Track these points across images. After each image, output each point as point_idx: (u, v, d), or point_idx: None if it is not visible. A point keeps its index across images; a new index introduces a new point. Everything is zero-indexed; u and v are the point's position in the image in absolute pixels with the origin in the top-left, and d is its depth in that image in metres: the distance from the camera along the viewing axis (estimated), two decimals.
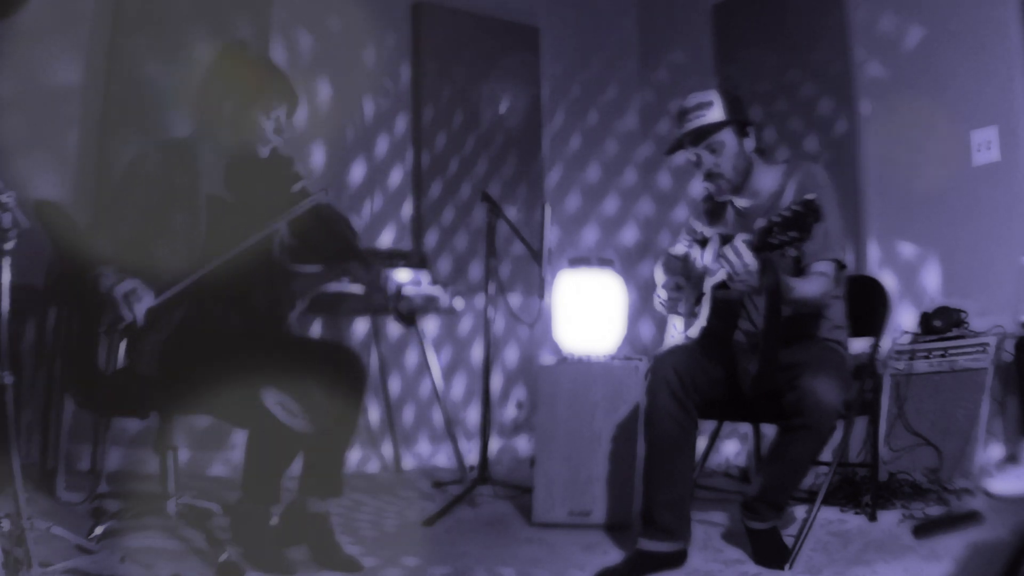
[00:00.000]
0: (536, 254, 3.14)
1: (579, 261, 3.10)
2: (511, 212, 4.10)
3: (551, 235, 3.50)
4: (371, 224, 3.97)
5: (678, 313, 2.52)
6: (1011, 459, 2.83)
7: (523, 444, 4.22)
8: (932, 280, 3.35)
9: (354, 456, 3.79)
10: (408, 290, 3.47)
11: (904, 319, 3.31)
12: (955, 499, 2.72)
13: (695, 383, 2.21)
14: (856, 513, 2.67)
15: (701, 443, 2.58)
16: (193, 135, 2.32)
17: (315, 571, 2.13)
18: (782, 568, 2.13)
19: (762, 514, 2.22)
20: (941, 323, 3.06)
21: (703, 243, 2.50)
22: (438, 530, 2.68)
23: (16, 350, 2.80)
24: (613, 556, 2.33)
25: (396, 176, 4.10)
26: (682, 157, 2.44)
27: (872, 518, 2.59)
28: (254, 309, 2.31)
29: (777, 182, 2.36)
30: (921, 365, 3.03)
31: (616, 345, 3.03)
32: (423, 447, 4.05)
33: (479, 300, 4.02)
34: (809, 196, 1.88)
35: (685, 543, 2.21)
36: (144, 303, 2.02)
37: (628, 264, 4.49)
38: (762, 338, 2.23)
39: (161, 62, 3.42)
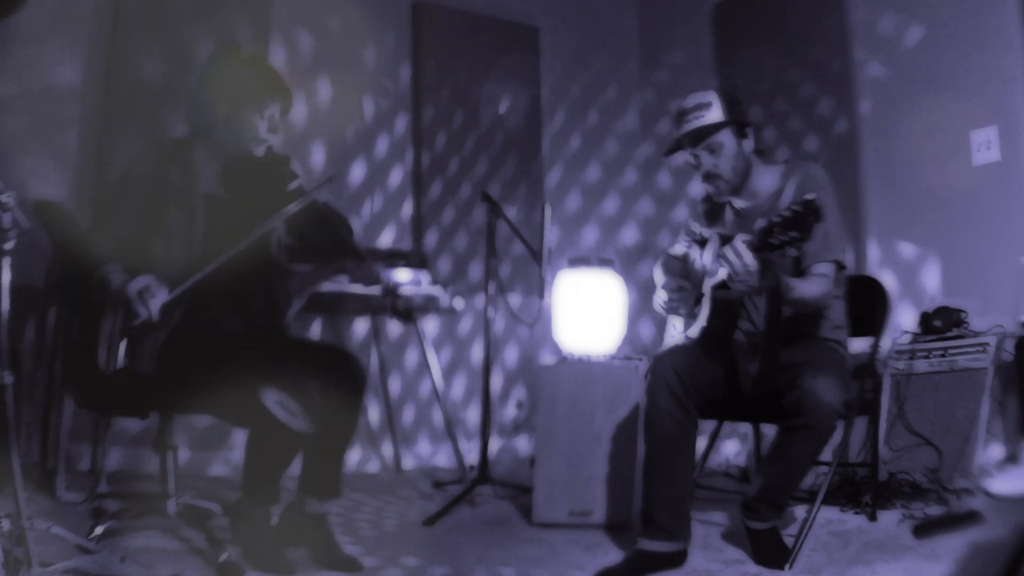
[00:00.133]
0: (536, 254, 3.14)
1: (579, 261, 3.10)
2: (511, 212, 4.10)
3: (551, 235, 3.50)
4: (371, 224, 3.97)
5: (678, 314, 2.52)
6: (1011, 459, 2.82)
7: (523, 444, 4.22)
8: (932, 280, 3.35)
9: (354, 456, 3.80)
10: (408, 290, 3.48)
11: (904, 319, 3.31)
12: (955, 499, 2.72)
13: (695, 383, 2.21)
14: (856, 513, 2.68)
15: (701, 443, 2.58)
16: (189, 135, 2.33)
17: (315, 571, 2.13)
18: (782, 568, 2.13)
19: (762, 514, 2.22)
20: (941, 323, 3.06)
21: (702, 244, 2.50)
22: (438, 530, 2.68)
23: (16, 350, 2.80)
24: (613, 556, 2.33)
25: (396, 176, 4.10)
26: (681, 157, 2.44)
27: (872, 518, 2.59)
28: (253, 309, 2.31)
29: (776, 183, 2.36)
30: (921, 365, 3.03)
31: (616, 345, 3.03)
32: (423, 447, 4.05)
33: (479, 300, 4.03)
34: (809, 196, 1.88)
35: (685, 543, 2.21)
36: (158, 298, 2.03)
37: (628, 264, 4.49)
38: (762, 338, 2.23)
39: (161, 62, 3.43)
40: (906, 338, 3.14)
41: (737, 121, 2.35)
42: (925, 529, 2.38)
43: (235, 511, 2.19)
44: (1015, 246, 3.03)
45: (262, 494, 2.16)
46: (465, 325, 4.22)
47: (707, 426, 2.91)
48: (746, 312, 2.39)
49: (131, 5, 3.40)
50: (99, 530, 2.19)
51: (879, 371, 2.90)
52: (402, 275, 3.49)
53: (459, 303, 3.79)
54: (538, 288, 3.17)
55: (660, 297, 2.55)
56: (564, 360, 2.97)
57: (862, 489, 2.78)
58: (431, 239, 4.07)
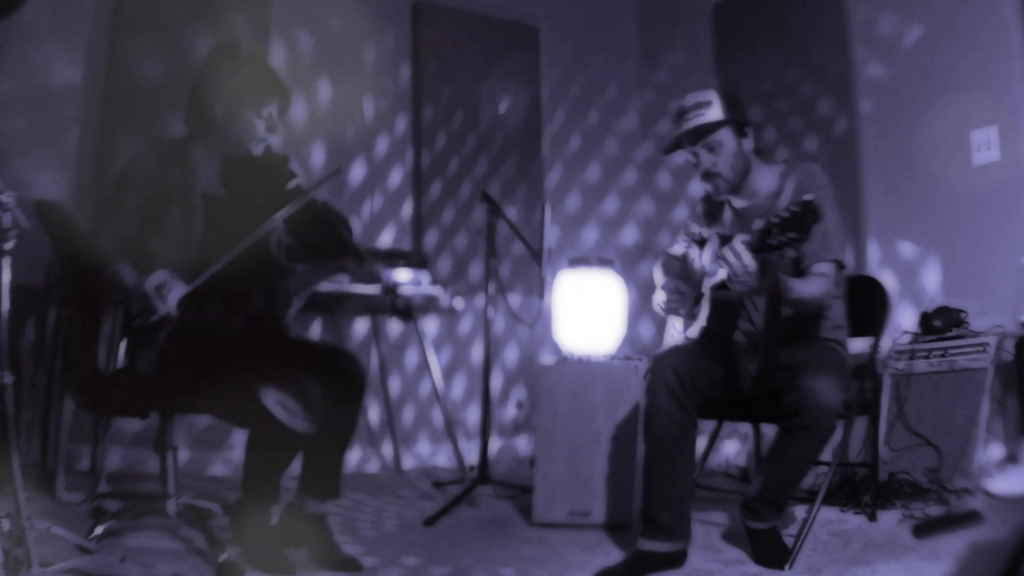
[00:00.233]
0: (536, 254, 3.14)
1: (579, 261, 3.10)
2: (511, 212, 4.10)
3: (551, 235, 3.50)
4: (371, 224, 3.97)
5: (677, 314, 2.52)
6: (1011, 459, 2.82)
7: (523, 444, 4.22)
8: (932, 280, 3.35)
9: (354, 456, 3.80)
10: (408, 290, 3.48)
11: (904, 319, 3.31)
12: (955, 499, 2.72)
13: (695, 383, 2.21)
14: (856, 513, 2.68)
15: (701, 443, 2.59)
16: (188, 134, 2.33)
17: (315, 571, 2.13)
18: (782, 568, 2.13)
19: (762, 514, 2.22)
20: (941, 323, 3.06)
21: (701, 244, 2.50)
22: (438, 530, 2.68)
23: (16, 350, 2.80)
24: (613, 556, 2.33)
25: (396, 176, 4.10)
26: (681, 157, 2.44)
27: (872, 518, 2.59)
28: (253, 309, 2.31)
29: (775, 182, 2.36)
30: (921, 365, 3.03)
31: (616, 345, 3.03)
32: (423, 447, 4.05)
33: (479, 300, 4.03)
34: (808, 197, 1.88)
35: (685, 543, 2.21)
36: (175, 293, 2.04)
37: (628, 264, 4.49)
38: (762, 338, 2.23)
39: (161, 62, 3.43)
40: (906, 338, 3.14)
41: (737, 120, 2.35)
42: (925, 529, 2.38)
43: (235, 511, 2.19)
44: (1015, 246, 3.03)
45: (262, 494, 2.16)
46: (465, 325, 4.22)
47: (707, 426, 2.91)
48: (745, 312, 2.39)
49: (131, 5, 3.40)
50: (99, 530, 2.19)
51: (879, 371, 2.90)
52: (402, 275, 3.49)
53: (459, 303, 3.80)
54: (538, 288, 3.16)
55: (659, 297, 2.55)
56: (564, 360, 2.97)
57: (862, 489, 2.78)
58: (431, 239, 4.07)
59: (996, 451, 2.85)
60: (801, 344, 2.28)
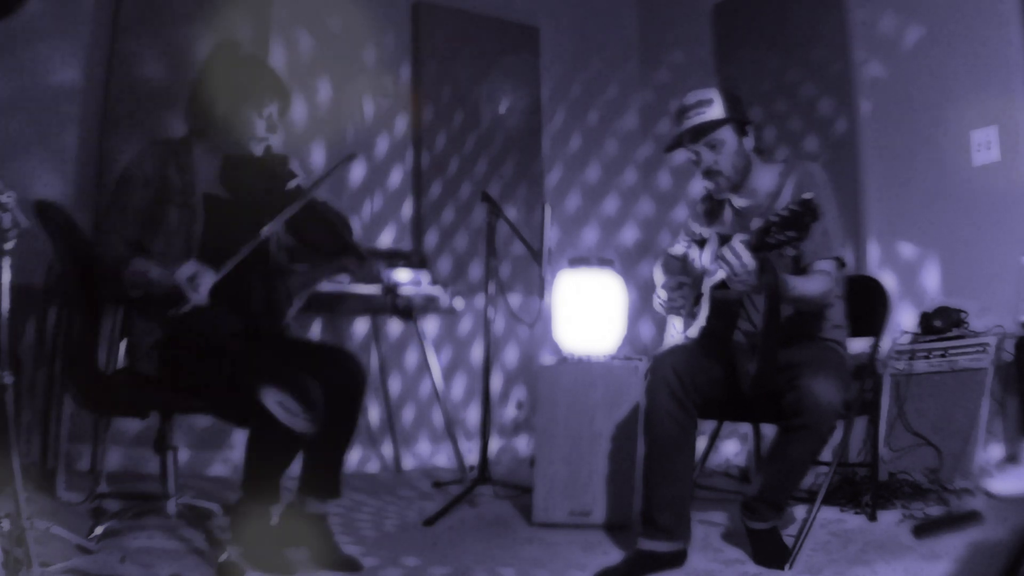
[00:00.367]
0: (536, 254, 3.14)
1: (579, 261, 3.10)
2: (511, 212, 4.10)
3: (551, 235, 3.50)
4: (371, 224, 3.97)
5: (677, 314, 2.52)
6: (1011, 459, 2.82)
7: (523, 444, 4.22)
8: (932, 280, 3.35)
9: (354, 456, 3.80)
10: (408, 290, 3.48)
11: (904, 319, 3.31)
12: (955, 499, 2.72)
13: (695, 383, 2.21)
14: (856, 513, 2.68)
15: (701, 443, 2.59)
16: (188, 134, 2.34)
17: (315, 571, 2.13)
18: (782, 568, 2.13)
19: (762, 514, 2.22)
20: (941, 323, 3.06)
21: (701, 243, 2.50)
22: (438, 530, 2.68)
23: (16, 350, 2.81)
24: (613, 556, 2.33)
25: (396, 176, 4.10)
26: (682, 156, 2.44)
27: (872, 518, 2.59)
28: (253, 309, 2.32)
29: (775, 182, 2.36)
30: (921, 365, 3.03)
31: (616, 345, 3.03)
32: (423, 447, 4.05)
33: (479, 300, 4.03)
34: (807, 195, 1.88)
35: (685, 543, 2.21)
36: (207, 282, 2.05)
37: (628, 264, 4.49)
38: (762, 338, 2.23)
39: (161, 62, 3.43)
40: (906, 338, 3.14)
41: (738, 118, 2.35)
42: (925, 529, 2.38)
43: (235, 511, 2.19)
44: (1015, 246, 3.03)
45: (262, 494, 2.16)
46: (465, 325, 4.22)
47: (707, 426, 2.91)
48: (745, 312, 2.39)
49: (131, 5, 3.40)
50: (99, 530, 2.19)
51: (879, 371, 2.90)
52: (402, 275, 3.49)
53: (459, 303, 3.80)
54: (538, 288, 3.17)
55: (660, 297, 2.55)
56: (564, 360, 2.97)
57: (862, 489, 2.78)
58: (431, 239, 4.07)
59: (996, 451, 2.85)
60: (801, 344, 2.28)
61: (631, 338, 4.12)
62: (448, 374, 4.13)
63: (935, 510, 2.62)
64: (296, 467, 2.24)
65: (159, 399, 2.20)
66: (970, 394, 2.87)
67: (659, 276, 2.63)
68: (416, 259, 3.72)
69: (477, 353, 4.18)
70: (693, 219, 2.62)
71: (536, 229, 3.57)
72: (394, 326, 4.02)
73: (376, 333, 3.98)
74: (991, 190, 3.15)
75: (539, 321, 3.87)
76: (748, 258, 1.98)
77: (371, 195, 4.00)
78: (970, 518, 2.42)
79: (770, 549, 2.20)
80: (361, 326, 3.96)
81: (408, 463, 3.96)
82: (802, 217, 1.87)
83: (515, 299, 4.18)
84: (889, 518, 2.58)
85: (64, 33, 3.28)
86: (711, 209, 2.54)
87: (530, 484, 2.85)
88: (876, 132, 3.59)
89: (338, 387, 2.19)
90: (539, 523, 2.74)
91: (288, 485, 2.24)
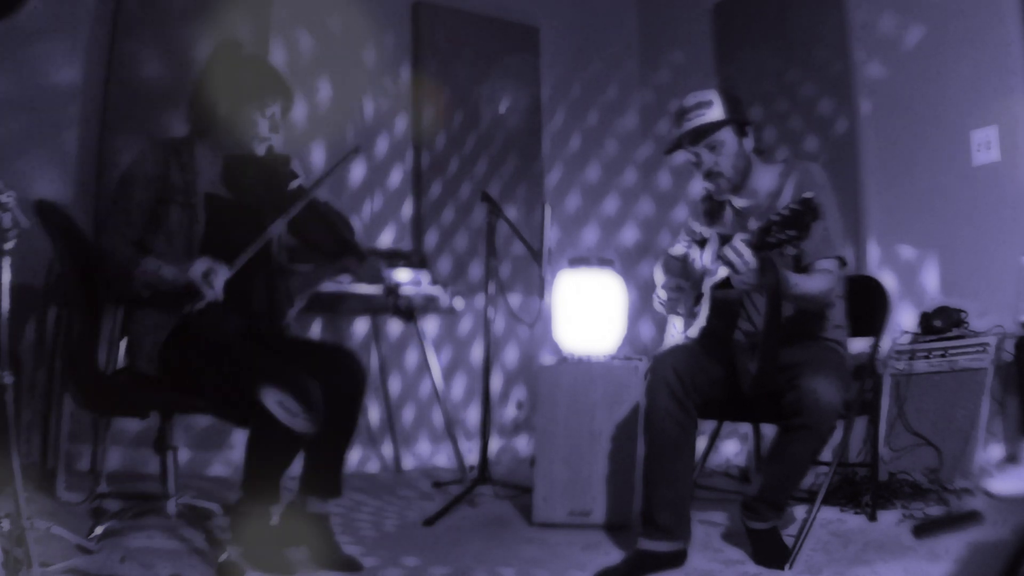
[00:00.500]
0: (536, 254, 3.14)
1: (579, 261, 3.10)
2: (511, 212, 4.10)
3: (551, 235, 3.50)
4: (371, 224, 3.97)
5: (678, 313, 2.52)
6: (1011, 459, 2.82)
7: (523, 444, 4.22)
8: (932, 280, 3.35)
9: (354, 456, 3.80)
10: (408, 290, 3.48)
11: (904, 319, 3.31)
12: (955, 499, 2.72)
13: (695, 383, 2.21)
14: (856, 513, 2.68)
15: (701, 443, 2.59)
16: (190, 134, 2.33)
17: (315, 571, 2.13)
18: (782, 568, 2.13)
19: (762, 514, 2.22)
20: (941, 323, 3.06)
21: (702, 243, 2.50)
22: (438, 530, 2.68)
23: (16, 350, 2.81)
24: (613, 556, 2.33)
25: (396, 176, 4.10)
26: (682, 157, 2.44)
27: (872, 518, 2.59)
28: (253, 309, 2.32)
29: (775, 182, 2.36)
30: (921, 365, 3.03)
31: (616, 345, 3.03)
32: (423, 447, 4.05)
33: (479, 300, 4.03)
34: (807, 195, 1.88)
35: (685, 543, 2.21)
36: (221, 278, 2.06)
37: (628, 264, 4.49)
38: (762, 338, 2.23)
39: (161, 62, 3.43)
40: (906, 338, 3.14)
41: (738, 120, 2.35)
42: (925, 529, 2.38)
43: (235, 511, 2.19)
44: (1015, 246, 3.03)
45: (262, 494, 2.15)
46: (465, 325, 4.22)
47: (707, 426, 2.91)
48: (746, 312, 2.39)
49: (131, 5, 3.40)
50: (99, 530, 2.19)
51: (879, 371, 2.90)
52: (402, 275, 3.49)
53: (459, 303, 3.80)
54: (538, 288, 3.16)
55: (659, 297, 2.55)
56: (564, 360, 2.97)
57: (862, 489, 2.78)
58: (431, 239, 4.07)
59: (996, 451, 2.85)
60: (801, 344, 2.28)
61: (631, 338, 4.12)
62: (448, 374, 4.13)
63: (935, 510, 2.62)
64: (296, 467, 2.24)
65: (159, 399, 2.20)
66: (970, 394, 2.87)
67: (659, 276, 2.63)
68: (416, 259, 3.72)
69: (477, 353, 4.18)
70: (693, 219, 2.62)
71: (536, 229, 3.57)
72: (394, 326, 4.02)
73: (376, 333, 3.98)
74: (991, 190, 3.15)
75: (539, 321, 3.87)
76: (750, 256, 1.98)
77: (371, 195, 4.00)
78: (970, 518, 2.42)
79: (770, 549, 2.20)
80: (361, 326, 3.96)
81: (408, 463, 3.96)
82: (803, 216, 1.87)
83: (515, 299, 4.19)
84: (889, 518, 2.58)
85: (64, 33, 3.28)
86: (711, 209, 2.54)
87: (530, 484, 2.85)
88: (876, 132, 3.59)
89: (338, 386, 2.19)
90: (539, 523, 2.74)
91: (288, 485, 2.23)
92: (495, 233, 3.18)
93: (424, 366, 3.90)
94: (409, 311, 3.71)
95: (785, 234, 1.90)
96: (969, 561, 2.07)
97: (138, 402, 2.22)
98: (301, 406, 2.03)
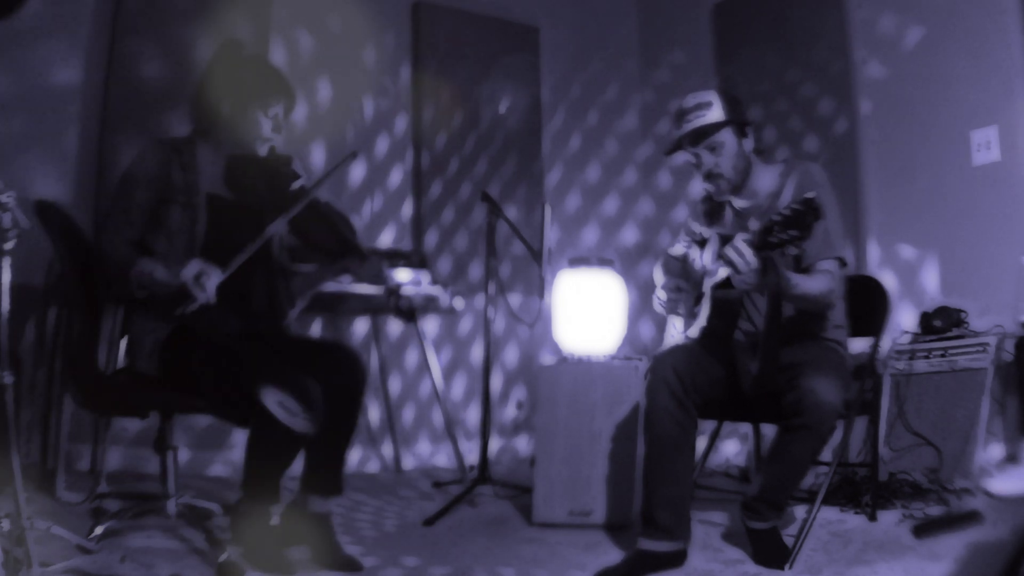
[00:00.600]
0: (536, 254, 3.14)
1: (579, 261, 3.10)
2: (511, 212, 4.10)
3: (551, 235, 3.50)
4: (371, 224, 3.97)
5: (678, 314, 2.52)
6: (1011, 459, 2.82)
7: (523, 444, 4.22)
8: (932, 280, 3.35)
9: (354, 456, 3.79)
10: (407, 290, 3.48)
11: (904, 319, 3.31)
12: (955, 499, 2.72)
13: (695, 383, 2.21)
14: (856, 513, 2.68)
15: (701, 443, 2.59)
16: (192, 134, 2.33)
17: (315, 571, 2.13)
18: (782, 568, 2.13)
19: (762, 514, 2.22)
20: (941, 323, 3.06)
21: (702, 244, 2.50)
22: (438, 530, 2.68)
23: (16, 350, 2.81)
24: (613, 556, 2.33)
25: (396, 176, 4.10)
26: (682, 157, 2.44)
27: (872, 518, 2.59)
28: (254, 309, 2.32)
29: (775, 182, 2.36)
30: (921, 365, 3.03)
31: (616, 345, 3.03)
32: (423, 447, 4.05)
33: (479, 300, 4.03)
34: (809, 195, 1.88)
35: (685, 543, 2.21)
36: (213, 280, 2.05)
37: (628, 264, 4.49)
38: (762, 338, 2.23)
39: (161, 62, 3.43)
40: (906, 338, 3.14)
41: (738, 120, 2.35)
42: (925, 529, 2.38)
43: (235, 511, 2.19)
44: (1015, 246, 3.03)
45: (262, 494, 2.15)
46: (465, 325, 4.22)
47: (707, 426, 2.91)
48: (746, 312, 2.39)
49: (131, 5, 3.40)
50: (99, 530, 2.19)
51: (879, 371, 2.90)
52: (402, 275, 3.49)
53: (459, 303, 3.80)
54: (538, 288, 3.16)
55: (659, 297, 2.55)
56: (564, 360, 2.97)
57: (862, 489, 2.78)
58: (431, 239, 4.07)
59: (996, 451, 2.85)
60: (801, 344, 2.28)
61: (631, 338, 4.12)
62: (448, 374, 4.13)
63: (935, 510, 2.62)
64: (297, 467, 2.24)
65: (159, 399, 2.20)
66: (970, 394, 2.87)
67: (659, 276, 2.63)
68: (416, 259, 3.72)
69: (477, 353, 4.18)
70: (693, 219, 2.62)
71: (536, 229, 3.57)
72: (394, 326, 4.02)
73: (376, 333, 3.98)
74: (991, 190, 3.15)
75: (539, 321, 3.87)
76: (751, 256, 1.98)
77: (371, 195, 4.00)
78: (970, 518, 2.42)
79: (770, 549, 2.20)
80: (361, 326, 3.96)
81: (408, 463, 3.96)
82: (804, 216, 1.87)
83: (515, 299, 4.19)
84: (889, 518, 2.59)
85: (64, 33, 3.27)
86: (711, 210, 2.54)
87: (530, 484, 2.85)
88: (876, 132, 3.59)
89: (339, 383, 2.19)
90: (539, 523, 2.74)
91: (288, 485, 2.23)
92: (495, 233, 3.18)
93: (424, 366, 3.90)
94: (410, 312, 3.71)
95: (786, 234, 1.90)
96: (969, 561, 2.07)
97: (138, 402, 2.22)
98: (301, 406, 2.03)
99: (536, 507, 2.77)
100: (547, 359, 3.61)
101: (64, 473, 2.76)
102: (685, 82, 4.33)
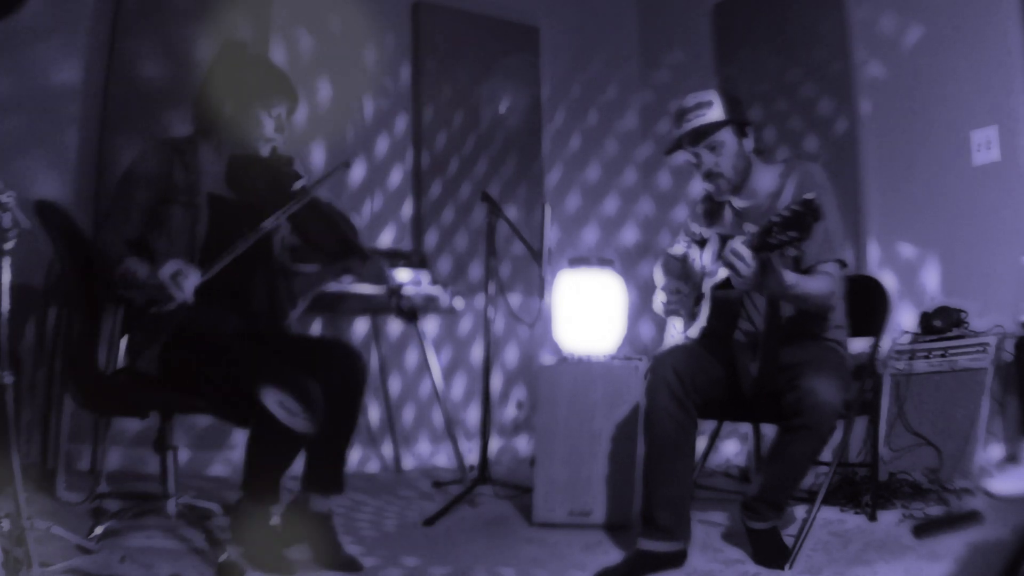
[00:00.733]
0: (536, 254, 3.14)
1: (579, 261, 3.10)
2: (511, 212, 4.10)
3: (551, 235, 3.50)
4: (371, 224, 3.97)
5: (678, 315, 2.52)
6: (1011, 459, 2.82)
7: (523, 444, 4.22)
8: (932, 280, 3.35)
9: (354, 456, 3.79)
10: (408, 290, 3.48)
11: (904, 319, 3.31)
12: (955, 499, 2.72)
13: (695, 383, 2.21)
14: (856, 513, 2.68)
15: (701, 443, 2.59)
16: (194, 134, 2.33)
17: (315, 571, 2.13)
18: (782, 568, 2.13)
19: (762, 514, 2.22)
20: (941, 323, 3.06)
21: (702, 244, 2.50)
22: (438, 530, 2.68)
23: (16, 350, 2.81)
24: (613, 556, 2.33)
25: (396, 176, 4.10)
26: (682, 157, 2.44)
27: (872, 518, 2.59)
28: (254, 309, 2.32)
29: (775, 182, 2.36)
30: (921, 365, 3.03)
31: (616, 345, 3.03)
32: (423, 447, 4.05)
33: (479, 300, 4.03)
34: (809, 195, 1.88)
35: (685, 543, 2.21)
36: (191, 281, 2.04)
37: (628, 264, 4.49)
38: (762, 338, 2.23)
39: (161, 62, 3.43)
40: (906, 338, 3.14)
41: (738, 120, 2.35)
42: (925, 529, 2.38)
43: (235, 511, 2.19)
44: (1015, 246, 3.03)
45: (262, 494, 2.16)
46: (465, 325, 4.22)
47: (707, 426, 2.91)
48: (746, 312, 2.39)
49: (131, 5, 3.40)
50: (99, 530, 2.19)
51: (879, 371, 2.90)
52: (402, 275, 3.49)
53: (459, 303, 3.79)
54: (538, 288, 3.16)
55: (659, 298, 2.55)
56: (564, 360, 2.97)
57: (862, 489, 2.78)
58: (431, 239, 4.07)
59: (996, 451, 2.85)
60: (801, 344, 2.28)
61: (631, 338, 4.12)
62: (448, 374, 4.13)
63: (935, 510, 2.62)
64: (297, 467, 2.24)
65: (159, 399, 2.20)
66: (970, 394, 2.87)
67: (659, 277, 2.63)
68: (416, 259, 3.72)
69: (477, 353, 4.18)
70: (693, 219, 2.62)
71: (536, 229, 3.57)
72: (394, 326, 4.02)
73: (376, 333, 3.98)
74: (991, 190, 3.15)
75: (539, 321, 3.87)
76: (751, 258, 1.98)
77: (371, 195, 4.00)
78: (970, 518, 2.42)
79: (770, 549, 2.21)
80: (361, 326, 3.96)
81: (408, 463, 3.96)
82: (804, 217, 1.87)
83: (515, 299, 4.19)
84: (889, 518, 2.58)
85: (64, 33, 3.28)
86: (711, 210, 2.54)
87: (530, 484, 2.85)
88: (876, 132, 3.59)
89: (339, 381, 2.20)
90: (539, 523, 2.74)
91: (289, 485, 2.23)
92: (495, 233, 3.18)
93: (424, 366, 3.90)
94: (412, 312, 3.71)
95: (786, 235, 1.90)
96: (969, 561, 2.07)
97: (138, 402, 2.22)
98: (301, 406, 2.03)
99: (536, 507, 2.77)
100: (547, 359, 3.61)
101: (64, 473, 2.76)
102: (685, 82, 4.33)
